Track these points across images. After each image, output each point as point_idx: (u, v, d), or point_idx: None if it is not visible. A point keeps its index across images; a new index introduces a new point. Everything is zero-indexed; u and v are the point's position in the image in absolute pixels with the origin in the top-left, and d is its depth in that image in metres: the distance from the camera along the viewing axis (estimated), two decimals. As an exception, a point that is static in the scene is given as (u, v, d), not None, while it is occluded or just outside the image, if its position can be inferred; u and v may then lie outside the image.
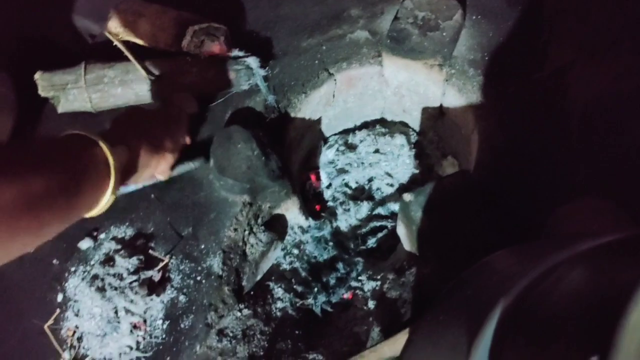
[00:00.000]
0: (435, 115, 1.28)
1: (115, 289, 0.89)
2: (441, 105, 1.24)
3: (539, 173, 0.96)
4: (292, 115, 1.14)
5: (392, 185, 1.31)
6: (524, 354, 0.46)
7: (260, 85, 1.07)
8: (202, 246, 0.96)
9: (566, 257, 0.52)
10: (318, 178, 1.34)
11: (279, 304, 1.04)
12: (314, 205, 1.31)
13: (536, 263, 0.54)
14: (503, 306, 0.50)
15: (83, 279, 0.92)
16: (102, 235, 0.97)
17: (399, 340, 0.86)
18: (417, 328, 0.69)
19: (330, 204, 1.29)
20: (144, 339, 0.88)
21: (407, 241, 0.99)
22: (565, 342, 0.43)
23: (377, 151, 1.33)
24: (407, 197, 0.94)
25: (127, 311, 0.88)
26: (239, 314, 0.96)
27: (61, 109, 1.05)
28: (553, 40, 1.08)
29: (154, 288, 0.91)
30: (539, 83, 1.05)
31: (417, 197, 0.93)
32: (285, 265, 1.12)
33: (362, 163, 1.32)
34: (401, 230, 0.99)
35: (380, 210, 1.29)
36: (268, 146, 1.00)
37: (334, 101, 1.26)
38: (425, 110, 1.29)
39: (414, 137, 1.36)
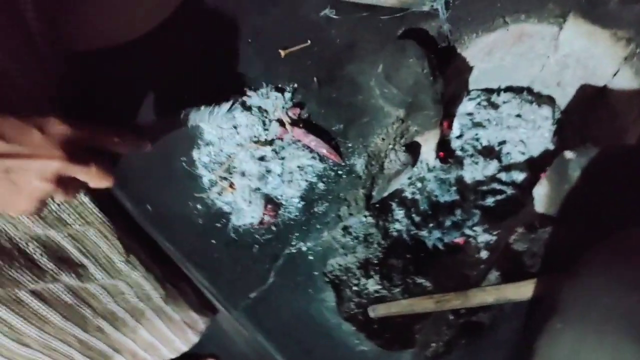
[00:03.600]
0: (592, 96, 1.23)
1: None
2: (604, 87, 1.19)
3: None
4: (459, 51, 1.12)
5: (523, 153, 1.28)
6: None
7: (440, 10, 1.06)
8: (350, 144, 0.98)
9: None
10: (450, 126, 1.32)
11: (397, 225, 1.06)
12: (440, 152, 1.30)
13: None
14: None
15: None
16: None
17: (526, 287, 0.86)
18: (586, 263, 0.68)
19: (458, 153, 1.28)
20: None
21: (546, 202, 0.97)
22: None
23: (518, 116, 1.29)
24: (569, 154, 0.91)
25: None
26: (364, 219, 0.98)
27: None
28: None
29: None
30: None
31: (579, 157, 0.91)
32: (408, 194, 1.13)
33: (501, 123, 1.30)
34: (542, 190, 0.97)
35: (502, 176, 1.27)
36: (437, 69, 1.00)
37: (494, 53, 1.23)
38: (583, 88, 1.24)
39: (558, 114, 1.32)
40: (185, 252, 0.93)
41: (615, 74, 1.13)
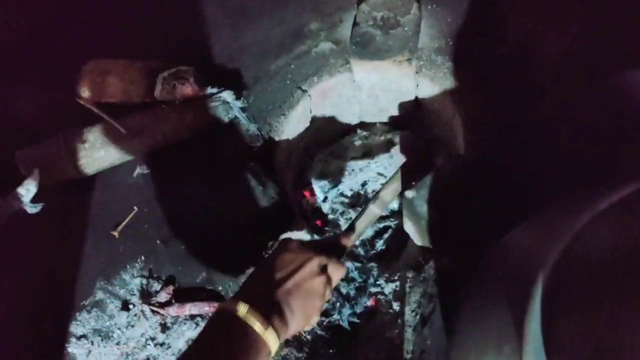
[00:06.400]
0: (411, 109, 1.30)
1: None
2: (416, 98, 1.26)
3: (525, 139, 0.98)
4: (276, 138, 1.14)
5: (386, 183, 1.32)
6: (577, 316, 0.47)
7: (240, 116, 1.07)
8: (220, 287, 0.95)
9: (588, 219, 0.54)
10: (312, 194, 1.34)
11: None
12: (315, 221, 1.31)
13: (561, 231, 0.55)
14: (544, 278, 0.51)
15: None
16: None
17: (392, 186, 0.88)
18: (458, 318, 0.70)
19: (330, 216, 1.29)
20: None
21: (417, 236, 1.00)
22: (616, 293, 0.45)
23: (364, 155, 1.34)
24: (410, 194, 0.95)
25: None
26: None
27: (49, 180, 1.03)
28: (509, 13, 1.11)
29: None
30: (506, 56, 1.08)
31: (419, 192, 0.95)
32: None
33: (353, 170, 1.33)
34: (409, 227, 1.00)
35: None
36: (261, 175, 1.01)
37: (311, 117, 1.27)
38: (401, 106, 1.31)
39: (395, 134, 1.38)
40: None
41: (417, 86, 1.20)
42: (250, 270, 0.97)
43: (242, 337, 0.59)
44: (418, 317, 0.93)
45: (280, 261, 0.69)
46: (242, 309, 0.59)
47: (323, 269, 0.70)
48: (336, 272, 0.73)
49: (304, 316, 0.66)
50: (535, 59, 1.05)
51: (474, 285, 0.73)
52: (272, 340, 0.59)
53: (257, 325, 0.59)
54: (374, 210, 0.84)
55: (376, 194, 0.86)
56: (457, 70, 1.11)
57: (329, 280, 0.71)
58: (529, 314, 0.50)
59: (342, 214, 1.28)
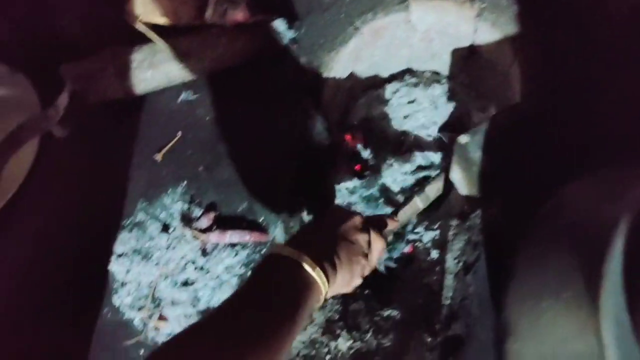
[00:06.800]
0: (466, 55, 1.25)
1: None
2: (472, 44, 1.20)
3: (587, 95, 0.93)
4: (325, 75, 1.10)
5: (429, 135, 1.28)
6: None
7: (290, 47, 1.04)
8: (262, 218, 0.94)
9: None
10: (354, 137, 1.31)
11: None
12: (354, 165, 1.28)
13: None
14: (627, 223, 0.48)
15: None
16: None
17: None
18: (513, 266, 0.68)
19: (371, 162, 1.26)
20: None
21: (464, 185, 0.97)
22: None
23: (411, 102, 1.29)
24: (464, 138, 0.91)
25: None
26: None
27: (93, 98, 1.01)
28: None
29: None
30: (576, 3, 1.01)
31: (474, 137, 0.91)
32: (340, 227, 1.10)
33: (396, 117, 1.29)
34: (457, 175, 0.97)
35: (420, 161, 1.26)
36: (311, 107, 0.98)
37: (362, 55, 1.22)
38: (455, 52, 1.25)
39: (445, 83, 1.32)
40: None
41: (475, 31, 1.14)
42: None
43: (292, 275, 0.59)
44: (460, 264, 0.91)
45: (328, 215, 0.73)
46: (290, 250, 0.60)
47: (366, 229, 0.73)
48: (376, 242, 0.76)
49: (349, 270, 0.67)
50: (608, 4, 0.98)
51: (532, 234, 0.70)
52: (321, 282, 0.60)
53: (307, 263, 0.59)
54: (418, 203, 0.93)
55: (422, 187, 0.96)
56: (521, 16, 1.05)
57: (369, 245, 0.73)
58: (610, 259, 0.48)
59: (382, 159, 1.25)
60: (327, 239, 0.67)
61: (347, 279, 0.68)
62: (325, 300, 0.64)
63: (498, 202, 0.89)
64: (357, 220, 0.73)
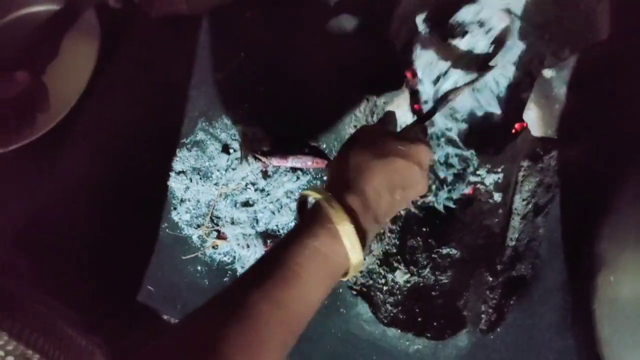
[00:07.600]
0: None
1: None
2: (554, -21, 1.11)
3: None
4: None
5: (497, 83, 1.21)
6: None
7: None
8: (324, 145, 0.92)
9: None
10: (414, 75, 1.25)
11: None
12: (413, 104, 1.23)
13: None
14: None
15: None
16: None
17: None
18: (614, 199, 0.63)
19: (429, 103, 1.21)
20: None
21: (541, 125, 0.91)
22: None
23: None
24: (548, 73, 0.85)
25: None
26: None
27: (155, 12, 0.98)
28: None
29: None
30: None
31: (560, 72, 0.85)
32: (399, 164, 1.07)
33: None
34: (533, 114, 0.91)
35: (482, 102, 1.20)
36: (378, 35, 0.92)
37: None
38: (533, -12, 1.16)
39: (518, 24, 1.24)
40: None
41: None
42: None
43: (312, 218, 0.51)
44: (530, 206, 0.87)
45: (355, 135, 0.60)
46: (308, 191, 0.55)
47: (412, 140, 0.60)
48: (422, 153, 0.60)
49: (389, 191, 0.55)
50: None
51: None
52: (338, 215, 0.50)
53: (322, 198, 0.51)
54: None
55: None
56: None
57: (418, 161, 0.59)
58: None
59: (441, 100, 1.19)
60: (351, 164, 0.55)
61: (390, 201, 0.56)
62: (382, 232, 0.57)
63: (580, 144, 0.84)
64: (392, 134, 0.61)
